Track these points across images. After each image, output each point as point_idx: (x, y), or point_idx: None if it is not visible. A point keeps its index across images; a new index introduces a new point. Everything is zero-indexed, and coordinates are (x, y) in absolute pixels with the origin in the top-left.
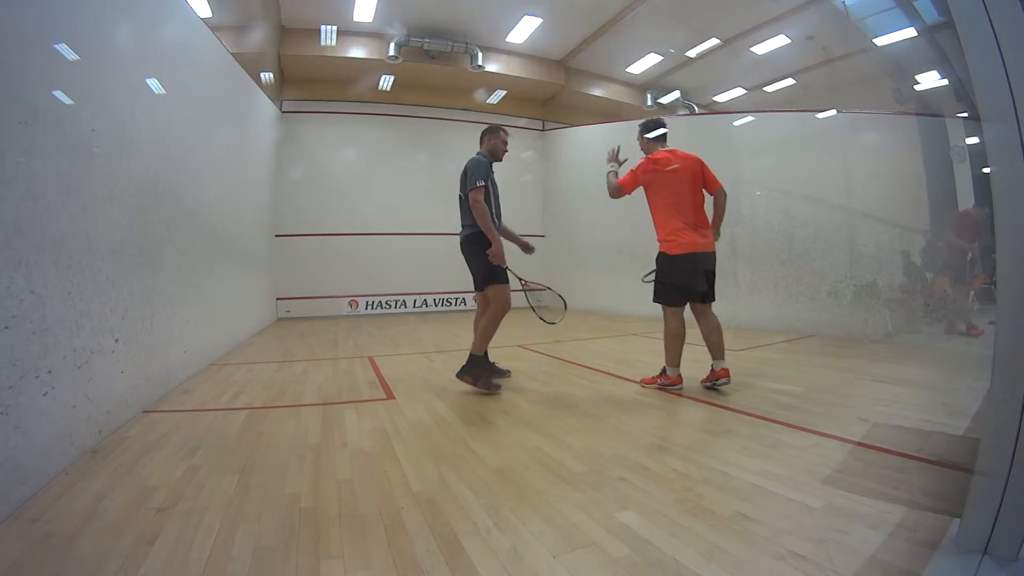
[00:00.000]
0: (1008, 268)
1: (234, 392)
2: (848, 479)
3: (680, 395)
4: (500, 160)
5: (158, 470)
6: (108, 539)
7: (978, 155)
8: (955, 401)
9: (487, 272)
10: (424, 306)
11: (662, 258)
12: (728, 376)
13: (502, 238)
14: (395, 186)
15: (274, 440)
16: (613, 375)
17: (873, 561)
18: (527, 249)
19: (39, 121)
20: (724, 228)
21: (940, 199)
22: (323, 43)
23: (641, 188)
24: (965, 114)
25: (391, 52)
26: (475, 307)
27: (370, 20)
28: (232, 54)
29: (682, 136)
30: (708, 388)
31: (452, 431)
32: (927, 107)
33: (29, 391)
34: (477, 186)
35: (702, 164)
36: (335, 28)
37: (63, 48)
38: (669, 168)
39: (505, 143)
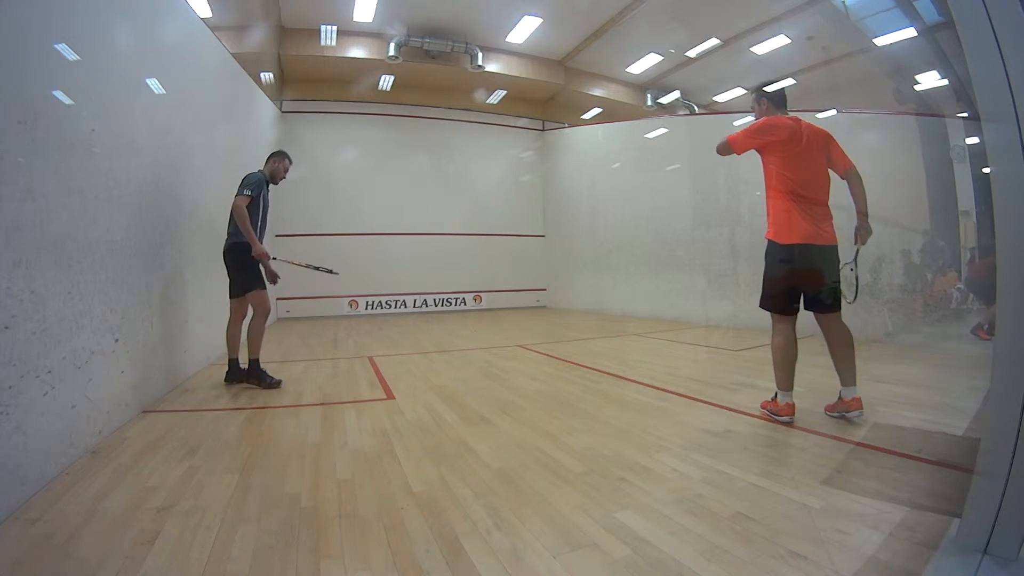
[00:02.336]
0: (1008, 268)
1: (234, 392)
2: (848, 479)
3: (791, 427)
4: (276, 183)
5: (158, 470)
6: (108, 539)
7: (978, 155)
8: (955, 401)
9: (249, 280)
10: (424, 306)
11: (768, 247)
12: (861, 408)
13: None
14: (395, 186)
15: (274, 440)
16: (613, 375)
17: (873, 561)
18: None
19: (39, 121)
20: (723, 228)
21: (940, 199)
22: (323, 43)
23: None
24: (965, 114)
25: (391, 52)
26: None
27: (370, 20)
28: (232, 54)
29: (682, 136)
30: (836, 417)
31: (452, 431)
32: (927, 107)
33: (29, 391)
34: (244, 194)
35: (830, 139)
36: (335, 28)
37: (63, 48)
38: (793, 133)
39: (286, 170)
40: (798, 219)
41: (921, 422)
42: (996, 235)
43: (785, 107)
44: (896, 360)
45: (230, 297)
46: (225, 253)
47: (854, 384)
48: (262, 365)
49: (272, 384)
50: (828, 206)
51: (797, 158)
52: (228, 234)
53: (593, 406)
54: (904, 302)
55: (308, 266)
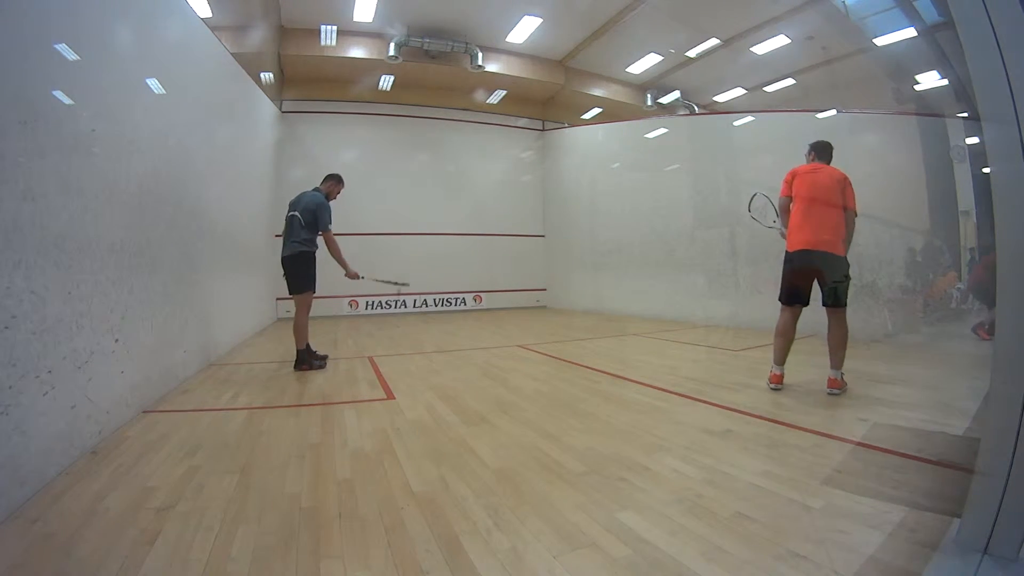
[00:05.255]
0: (1008, 268)
1: (234, 392)
2: (848, 479)
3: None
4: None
5: (158, 470)
6: (108, 539)
7: (978, 155)
8: (955, 401)
9: (306, 282)
10: (424, 306)
11: (784, 255)
12: (832, 387)
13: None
14: (395, 186)
15: (274, 440)
16: (613, 375)
17: (873, 561)
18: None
19: (39, 121)
20: (723, 228)
21: (940, 199)
22: (323, 43)
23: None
24: (965, 114)
25: (391, 52)
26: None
27: (370, 20)
28: (232, 54)
29: (682, 136)
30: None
31: (452, 431)
32: (927, 107)
33: (29, 391)
34: (331, 228)
35: (846, 181)
36: (335, 28)
37: (63, 48)
38: (806, 173)
39: (339, 192)
40: (801, 231)
41: (921, 422)
42: (996, 235)
43: (816, 158)
44: (896, 360)
45: (290, 294)
46: (288, 258)
47: (837, 367)
48: (311, 349)
49: (321, 365)
50: (831, 221)
51: (808, 187)
52: (293, 242)
53: (593, 406)
54: (904, 302)
55: (385, 281)
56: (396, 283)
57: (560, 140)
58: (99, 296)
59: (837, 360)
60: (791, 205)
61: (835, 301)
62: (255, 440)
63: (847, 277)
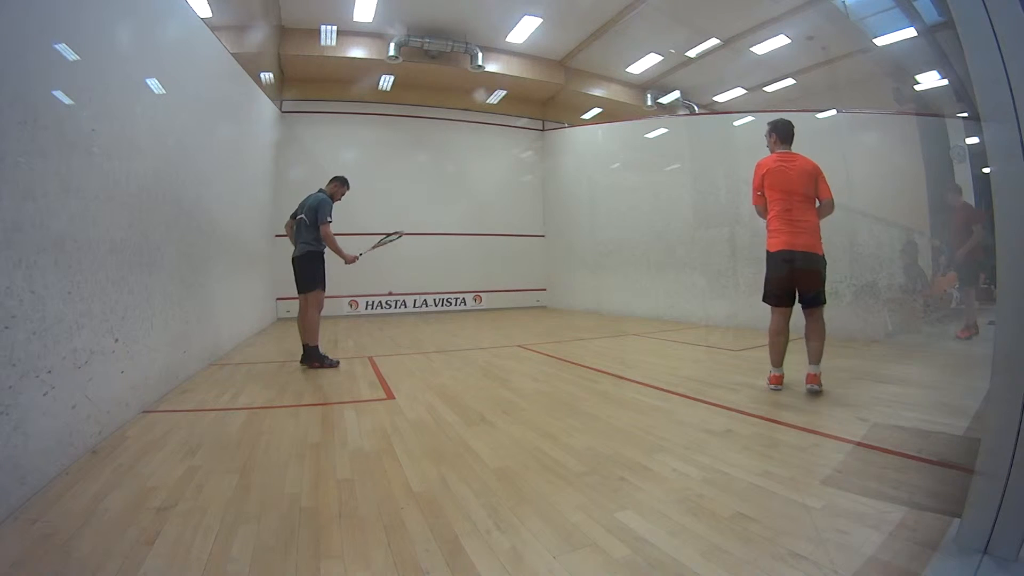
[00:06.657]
0: (1008, 268)
1: (234, 392)
2: (848, 479)
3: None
4: (334, 202)
5: (158, 470)
6: (108, 539)
7: (978, 155)
8: (955, 401)
9: (315, 281)
10: (424, 306)
11: (766, 256)
12: (813, 382)
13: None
14: (395, 186)
15: (274, 440)
16: (613, 375)
17: (873, 561)
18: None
19: (39, 121)
20: (723, 228)
21: (940, 199)
22: (323, 43)
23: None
24: (965, 114)
25: (391, 52)
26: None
27: (370, 20)
28: (232, 54)
29: (682, 136)
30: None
31: (452, 431)
32: (927, 107)
33: (29, 391)
34: (328, 221)
35: (817, 172)
36: (335, 28)
37: (63, 48)
38: (777, 167)
39: (343, 194)
40: (780, 233)
41: (921, 422)
42: (996, 235)
43: (787, 144)
44: (896, 360)
45: (299, 293)
46: (296, 258)
47: (815, 362)
48: (321, 350)
49: (332, 364)
50: (810, 220)
51: (781, 181)
52: (301, 243)
53: (593, 406)
54: (904, 302)
55: (379, 244)
56: (390, 238)
57: (560, 140)
58: (99, 296)
59: (816, 356)
60: (766, 203)
61: (815, 301)
62: (255, 440)
63: (824, 276)
